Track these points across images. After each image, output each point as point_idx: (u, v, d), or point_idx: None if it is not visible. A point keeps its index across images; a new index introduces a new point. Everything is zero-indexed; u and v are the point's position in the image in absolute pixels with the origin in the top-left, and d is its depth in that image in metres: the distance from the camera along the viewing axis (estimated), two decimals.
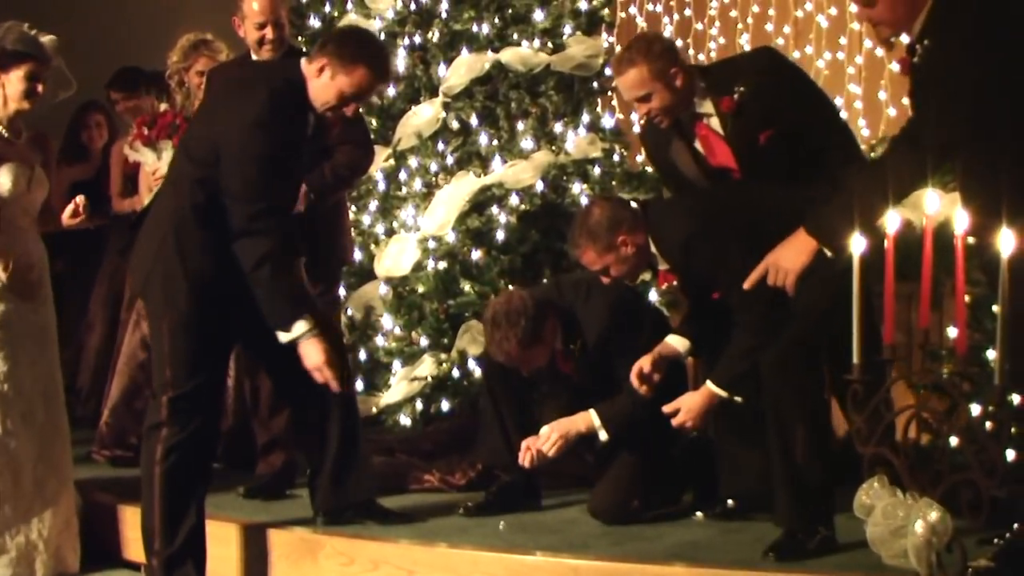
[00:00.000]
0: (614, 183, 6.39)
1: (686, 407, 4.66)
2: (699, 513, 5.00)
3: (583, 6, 6.54)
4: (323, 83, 4.47)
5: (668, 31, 8.14)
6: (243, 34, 5.39)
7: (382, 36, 6.39)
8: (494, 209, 6.18)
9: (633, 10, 8.25)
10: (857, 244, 3.35)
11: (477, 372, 5.91)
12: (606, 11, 6.80)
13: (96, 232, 6.83)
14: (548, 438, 4.94)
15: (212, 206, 4.45)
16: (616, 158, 6.54)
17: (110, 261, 6.97)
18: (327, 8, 6.76)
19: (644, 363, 4.78)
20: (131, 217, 6.23)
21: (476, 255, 6.12)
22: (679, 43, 8.03)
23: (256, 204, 4.38)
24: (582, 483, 5.30)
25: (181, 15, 7.42)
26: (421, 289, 6.11)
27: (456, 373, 5.98)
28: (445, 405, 5.96)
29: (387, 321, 6.16)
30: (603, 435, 4.92)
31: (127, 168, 6.52)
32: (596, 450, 5.20)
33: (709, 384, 4.61)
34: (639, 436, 4.99)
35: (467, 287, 6.06)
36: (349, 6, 6.62)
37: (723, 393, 4.57)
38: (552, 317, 4.97)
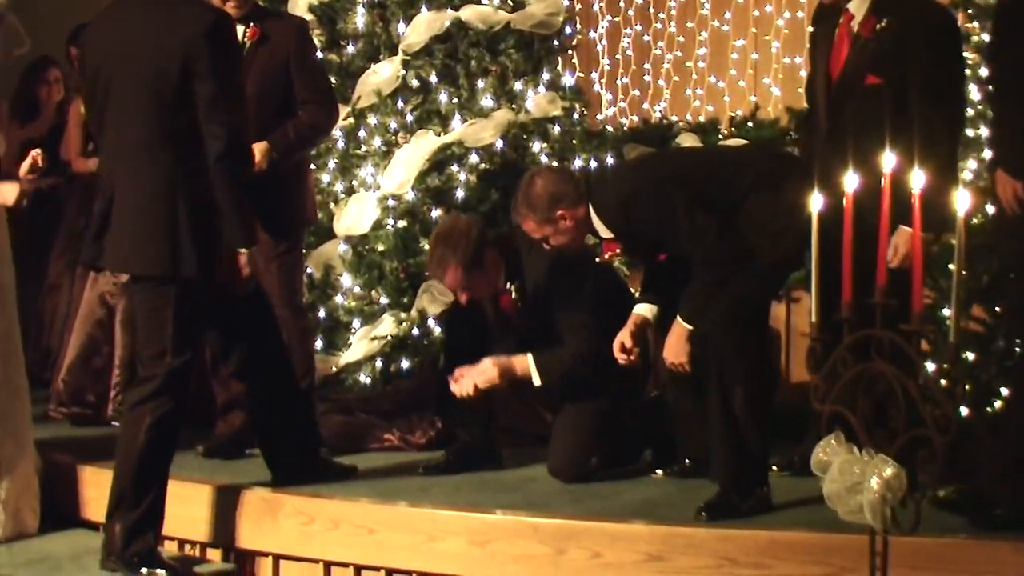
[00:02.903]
0: (574, 142, 6.39)
1: (665, 349, 4.68)
2: (658, 471, 5.05)
3: None
4: None
5: None
6: None
7: None
8: (454, 168, 6.17)
9: None
10: (815, 202, 3.37)
11: (437, 331, 5.92)
12: None
13: (50, 192, 6.79)
14: (483, 371, 4.98)
15: (197, 156, 4.41)
16: (576, 117, 6.54)
17: (69, 222, 6.92)
18: None
19: (624, 337, 4.81)
20: (91, 177, 6.20)
21: (436, 214, 6.10)
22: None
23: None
24: (541, 442, 5.33)
25: None
26: (381, 248, 6.09)
27: (416, 332, 5.96)
28: (405, 364, 5.95)
29: (347, 280, 6.15)
30: (536, 380, 4.97)
31: (87, 127, 6.46)
32: (550, 406, 5.25)
33: (678, 319, 4.63)
34: (594, 395, 5.03)
35: (427, 246, 6.05)
36: None
37: (689, 325, 4.58)
38: (495, 249, 5.04)
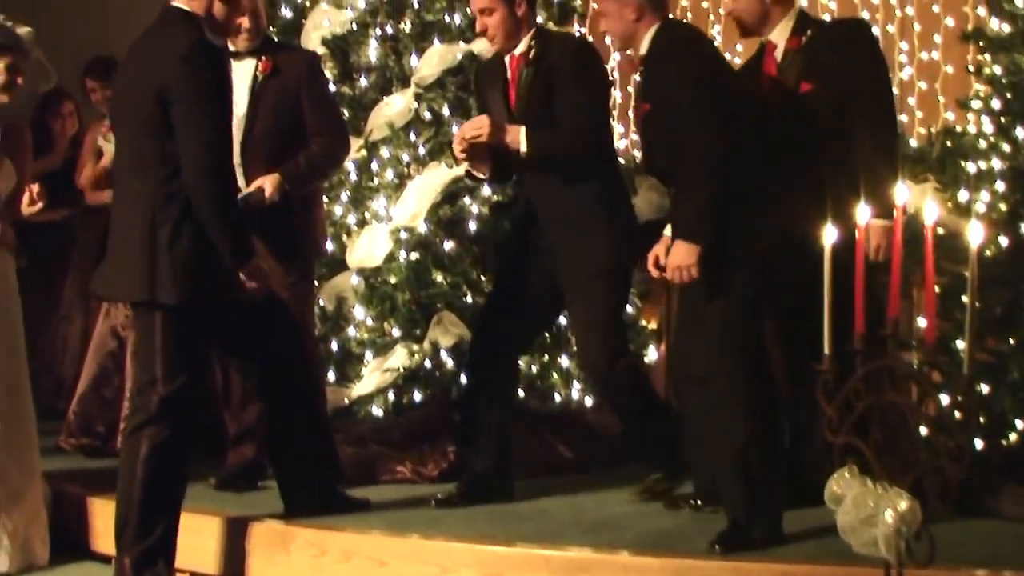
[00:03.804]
0: None
1: (671, 265, 4.61)
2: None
3: None
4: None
5: None
6: None
7: (353, 26, 6.37)
8: (466, 199, 6.17)
9: None
10: (828, 235, 3.36)
11: (449, 363, 5.91)
12: (578, 1, 6.81)
13: (64, 223, 6.81)
14: (476, 122, 5.00)
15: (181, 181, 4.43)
16: None
17: (83, 251, 6.94)
18: None
19: (659, 251, 4.79)
20: (104, 209, 6.22)
21: (448, 245, 6.10)
22: None
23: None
24: (554, 472, 5.31)
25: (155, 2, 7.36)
26: (393, 280, 6.07)
27: (428, 364, 5.94)
28: (417, 396, 5.92)
29: (359, 312, 6.13)
30: (524, 147, 4.94)
31: (100, 159, 6.49)
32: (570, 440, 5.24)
33: (680, 241, 4.57)
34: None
35: (439, 277, 6.04)
36: None
37: (694, 243, 4.53)
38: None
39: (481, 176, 5.21)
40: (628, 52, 5.08)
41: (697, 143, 4.52)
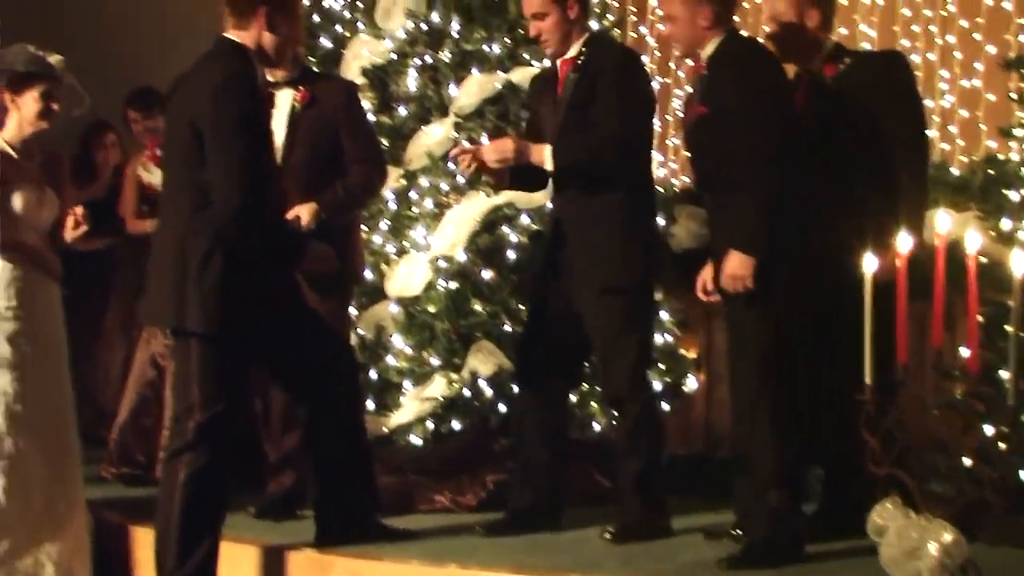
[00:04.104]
0: None
1: (726, 274, 4.61)
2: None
3: (594, 25, 6.53)
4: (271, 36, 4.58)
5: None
6: None
7: (393, 56, 6.39)
8: (505, 228, 6.16)
9: (644, 30, 8.25)
10: (868, 263, 3.34)
11: (488, 392, 5.89)
12: (617, 31, 6.81)
13: (107, 252, 6.85)
14: (499, 145, 5.02)
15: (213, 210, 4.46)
16: None
17: (124, 280, 6.97)
18: (338, 28, 6.77)
19: (706, 277, 4.84)
20: (146, 237, 6.26)
21: (487, 275, 6.08)
22: (691, 62, 8.06)
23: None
24: (593, 501, 5.29)
25: (190, 32, 7.41)
26: (432, 309, 6.06)
27: (467, 393, 5.91)
28: (456, 425, 5.91)
29: (398, 341, 6.12)
30: (549, 165, 4.96)
31: (142, 189, 6.54)
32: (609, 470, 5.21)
33: (734, 252, 4.59)
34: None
35: (478, 307, 6.02)
36: (360, 25, 6.62)
37: (750, 255, 4.55)
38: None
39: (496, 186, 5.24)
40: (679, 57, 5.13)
41: (756, 153, 4.53)
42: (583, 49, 5.07)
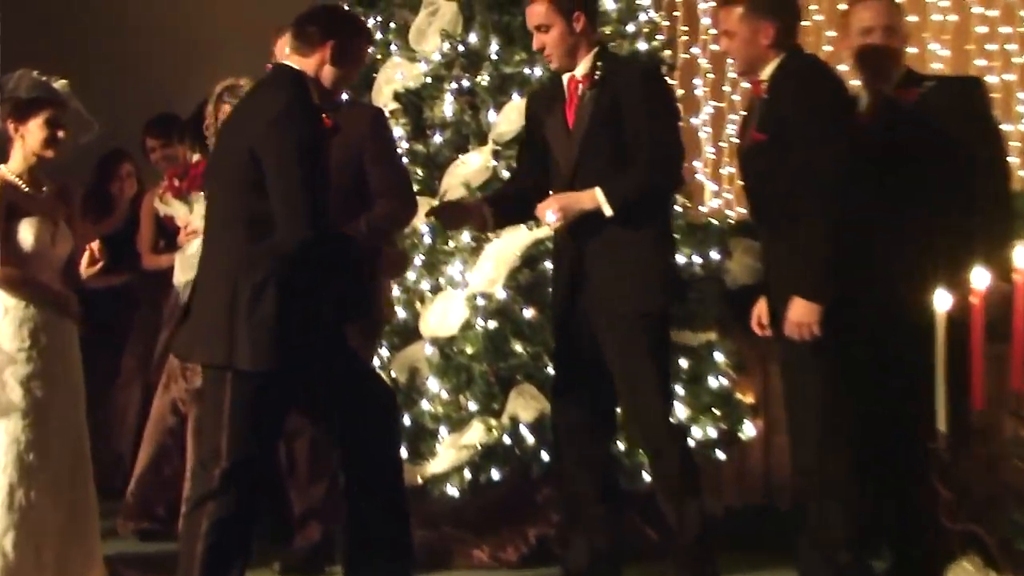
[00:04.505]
0: (676, 236, 6.37)
1: (791, 321, 4.62)
2: None
3: (641, 47, 6.54)
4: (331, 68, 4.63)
5: (734, 72, 8.12)
6: None
7: (428, 80, 6.42)
8: (547, 264, 6.15)
9: (696, 51, 8.25)
10: (941, 300, 3.32)
11: (530, 439, 5.88)
12: (666, 53, 6.81)
13: (124, 289, 6.88)
14: (548, 206, 4.97)
15: (274, 241, 4.48)
16: (677, 208, 6.50)
17: (142, 319, 7.00)
18: (370, 50, 6.80)
19: (761, 311, 4.87)
20: (165, 273, 6.28)
21: (528, 313, 6.08)
22: (747, 85, 8.06)
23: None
24: (641, 556, 5.26)
25: (209, 56, 7.48)
26: (469, 350, 6.06)
27: (507, 440, 5.91)
28: (496, 474, 5.91)
29: (433, 384, 6.12)
30: (607, 210, 4.93)
31: (159, 222, 6.56)
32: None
33: (801, 300, 4.60)
34: None
35: (518, 347, 6.02)
36: (393, 48, 6.65)
37: (815, 302, 4.56)
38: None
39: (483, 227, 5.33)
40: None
41: (818, 183, 4.50)
42: (599, 64, 5.07)
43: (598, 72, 5.05)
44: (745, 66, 4.92)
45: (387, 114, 6.00)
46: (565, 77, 5.14)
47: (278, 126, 4.49)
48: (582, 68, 5.09)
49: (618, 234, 4.99)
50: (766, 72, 4.78)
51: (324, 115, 4.95)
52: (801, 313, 4.56)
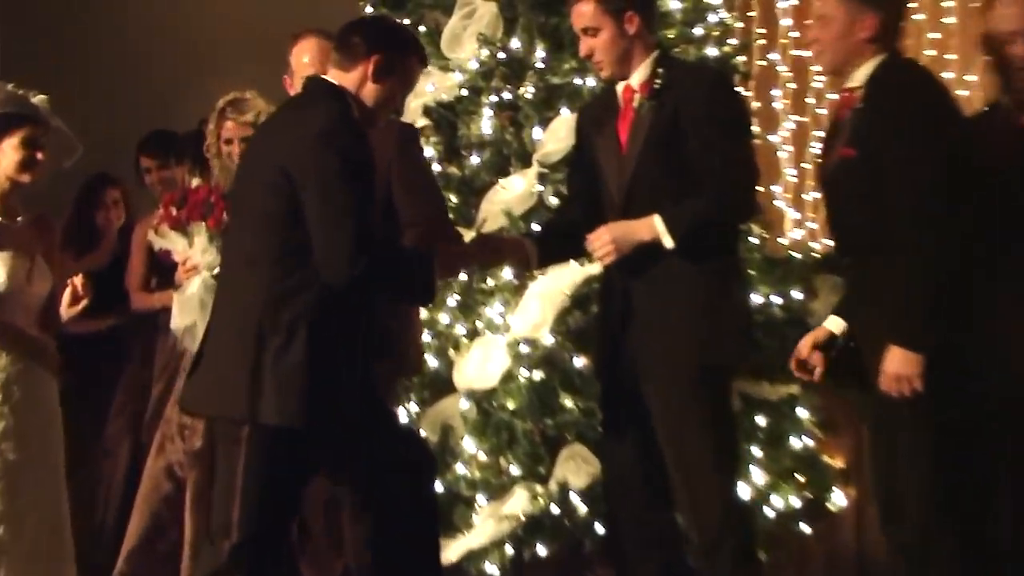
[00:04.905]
0: (751, 272, 6.32)
1: (887, 375, 4.54)
2: None
3: (711, 52, 6.50)
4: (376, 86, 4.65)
5: (819, 81, 8.08)
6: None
7: (463, 92, 6.41)
8: None
9: (775, 56, 8.22)
10: None
11: (581, 508, 5.84)
12: (741, 59, 6.77)
13: (111, 334, 6.85)
14: (599, 239, 4.90)
15: (304, 279, 4.46)
16: (753, 240, 6.46)
17: (132, 368, 6.99)
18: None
19: (803, 349, 4.80)
20: (158, 316, 6.26)
21: (579, 362, 6.06)
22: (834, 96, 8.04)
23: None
24: None
25: (215, 70, 7.48)
26: (511, 405, 6.06)
27: (555, 510, 5.90)
28: (542, 550, 5.88)
29: (469, 444, 6.11)
30: (668, 242, 4.86)
31: (152, 256, 6.55)
32: None
33: (899, 349, 4.52)
34: None
35: (568, 402, 6.00)
36: None
37: (915, 351, 4.48)
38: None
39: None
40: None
41: (922, 211, 4.43)
42: (658, 70, 5.01)
43: (658, 80, 4.98)
44: (835, 63, 4.81)
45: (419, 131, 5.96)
46: (619, 87, 5.08)
47: (319, 145, 4.45)
48: (638, 76, 5.01)
49: (679, 270, 4.90)
50: (858, 75, 4.69)
51: None
52: (899, 364, 4.47)
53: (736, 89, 5.27)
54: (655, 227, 4.87)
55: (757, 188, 5.10)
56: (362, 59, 4.63)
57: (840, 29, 4.70)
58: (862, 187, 4.62)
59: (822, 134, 8.00)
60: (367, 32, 4.70)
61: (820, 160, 5.03)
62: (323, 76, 4.71)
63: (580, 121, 5.35)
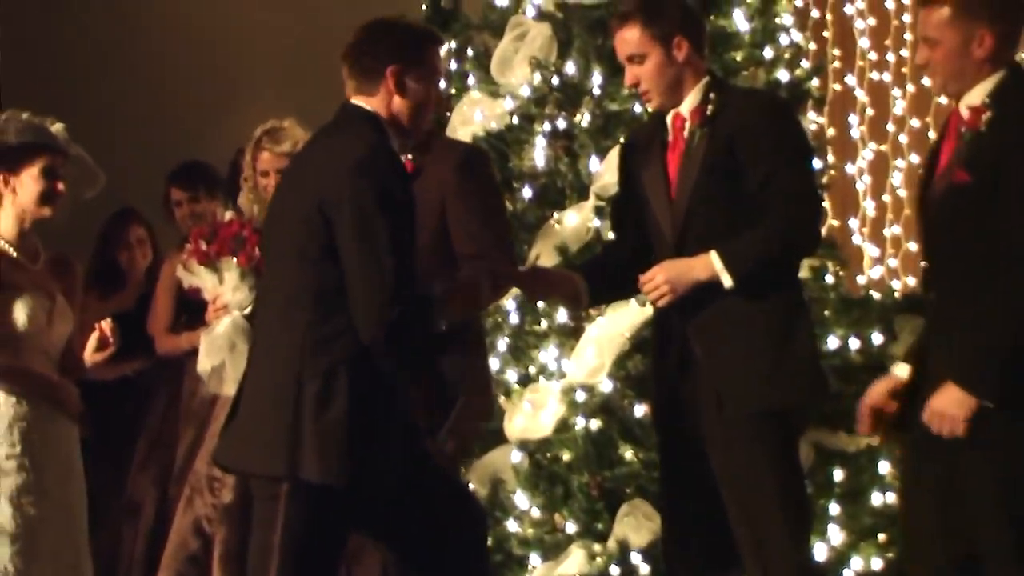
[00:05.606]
0: (826, 313, 6.28)
1: (932, 408, 4.42)
2: None
3: (783, 76, 6.47)
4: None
5: (900, 106, 8.06)
6: None
7: (514, 120, 6.39)
8: None
9: (851, 80, 8.19)
10: None
11: (643, 568, 5.80)
12: (814, 83, 6.73)
13: (137, 380, 6.87)
14: (653, 280, 4.84)
15: (344, 322, 4.45)
16: (828, 279, 6.43)
17: (156, 419, 6.99)
18: (443, 85, 6.81)
19: (875, 398, 4.67)
20: (187, 361, 6.26)
21: (640, 411, 6.03)
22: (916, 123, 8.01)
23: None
24: None
25: (252, 97, 7.51)
26: (566, 456, 6.04)
27: (615, 570, 5.86)
28: None
29: (521, 500, 6.10)
30: (727, 281, 4.78)
31: (182, 295, 6.55)
32: None
33: (955, 387, 4.39)
34: None
35: (627, 453, 5.97)
36: (471, 81, 6.66)
37: (975, 396, 4.36)
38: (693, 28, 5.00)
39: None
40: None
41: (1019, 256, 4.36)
42: (710, 96, 4.98)
43: (710, 106, 4.95)
44: (948, 84, 4.72)
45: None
46: (669, 116, 5.05)
47: (360, 176, 4.43)
48: (689, 103, 4.94)
49: (740, 309, 4.81)
50: (975, 94, 4.61)
51: (406, 158, 4.95)
52: (948, 402, 4.35)
53: (794, 114, 5.21)
54: (713, 265, 4.79)
55: (820, 219, 5.06)
56: (380, 78, 4.61)
57: (951, 49, 4.61)
58: (971, 217, 4.54)
59: (903, 164, 8.01)
60: (373, 48, 4.66)
61: (922, 183, 4.94)
62: (354, 101, 4.68)
63: (624, 152, 5.30)
